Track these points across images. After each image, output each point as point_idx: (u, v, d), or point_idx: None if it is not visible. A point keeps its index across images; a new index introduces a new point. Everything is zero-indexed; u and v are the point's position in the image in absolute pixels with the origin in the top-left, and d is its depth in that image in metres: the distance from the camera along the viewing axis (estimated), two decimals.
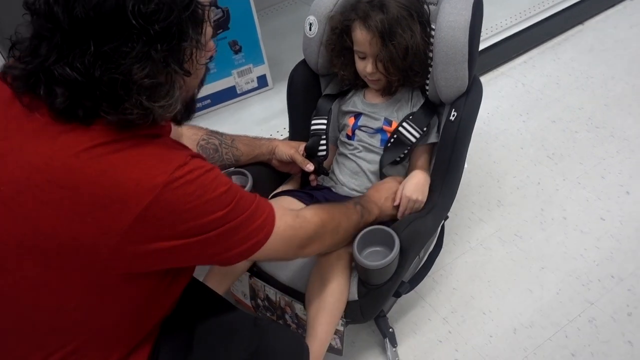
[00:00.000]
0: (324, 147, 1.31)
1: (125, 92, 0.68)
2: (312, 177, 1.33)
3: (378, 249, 1.09)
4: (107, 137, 0.70)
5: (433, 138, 1.26)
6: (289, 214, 0.90)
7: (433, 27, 1.18)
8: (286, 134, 1.66)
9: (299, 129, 1.42)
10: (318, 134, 1.32)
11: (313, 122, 1.34)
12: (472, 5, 1.12)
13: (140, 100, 0.69)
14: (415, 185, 1.17)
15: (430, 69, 1.21)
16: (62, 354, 0.77)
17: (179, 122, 0.88)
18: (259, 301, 1.27)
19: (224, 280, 1.20)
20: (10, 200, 0.69)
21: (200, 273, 1.10)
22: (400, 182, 1.19)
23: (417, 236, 1.14)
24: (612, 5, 2.50)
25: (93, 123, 0.70)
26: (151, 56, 0.68)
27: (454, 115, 1.17)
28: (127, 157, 0.70)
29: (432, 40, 1.18)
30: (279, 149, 1.31)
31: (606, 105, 1.98)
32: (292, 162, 1.30)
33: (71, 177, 0.68)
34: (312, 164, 1.29)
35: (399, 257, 1.07)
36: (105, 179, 0.68)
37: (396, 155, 1.24)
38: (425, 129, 1.24)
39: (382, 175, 1.25)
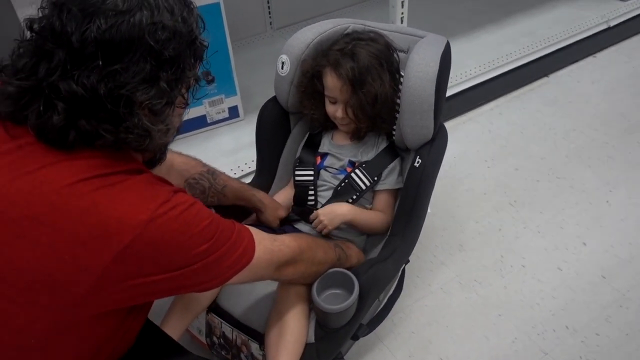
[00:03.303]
0: (312, 197, 1.31)
1: (128, 110, 0.70)
2: None
3: (337, 291, 1.09)
4: (90, 173, 0.70)
5: (393, 184, 1.27)
6: (267, 237, 0.92)
7: (402, 74, 1.21)
8: (254, 167, 1.65)
9: (266, 163, 1.43)
10: (305, 185, 1.32)
11: (297, 172, 1.34)
12: (440, 57, 1.16)
13: (141, 120, 0.71)
14: (330, 211, 1.23)
15: (397, 116, 1.23)
16: None
17: (153, 165, 0.88)
18: (215, 339, 1.24)
19: (184, 318, 1.18)
20: None
21: (159, 311, 1.07)
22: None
23: (377, 280, 1.14)
24: (576, 61, 2.62)
25: (79, 152, 0.70)
26: (158, 79, 0.71)
27: (418, 162, 1.20)
28: (109, 194, 0.70)
29: (400, 87, 1.20)
30: (271, 210, 1.30)
31: (567, 157, 2.04)
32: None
33: (51, 213, 0.67)
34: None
35: (357, 301, 1.07)
36: (87, 216, 0.67)
37: (344, 199, 1.26)
38: (376, 178, 1.26)
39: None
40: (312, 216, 1.23)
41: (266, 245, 0.90)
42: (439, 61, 1.15)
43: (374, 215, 1.27)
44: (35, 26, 0.70)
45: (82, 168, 0.70)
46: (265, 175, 1.43)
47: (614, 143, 2.09)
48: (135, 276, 0.71)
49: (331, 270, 1.09)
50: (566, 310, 1.49)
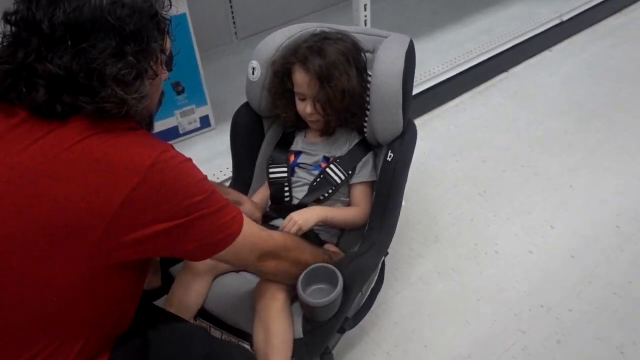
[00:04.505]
0: (288, 194, 1.33)
1: (100, 83, 0.75)
2: None
3: (322, 286, 1.11)
4: (93, 130, 0.76)
5: (367, 177, 1.31)
6: (255, 224, 0.96)
7: (370, 73, 1.26)
8: (229, 174, 1.67)
9: (242, 169, 1.45)
10: (280, 182, 1.34)
11: (271, 169, 1.36)
12: (404, 55, 1.21)
13: (115, 91, 0.76)
14: (304, 213, 1.23)
15: (368, 112, 1.28)
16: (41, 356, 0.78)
17: None
18: None
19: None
20: (0, 200, 0.74)
21: None
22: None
23: (360, 272, 1.18)
24: (533, 56, 2.73)
25: (70, 121, 0.76)
26: (124, 52, 0.77)
27: (390, 156, 1.24)
28: (116, 145, 0.77)
29: (369, 85, 1.25)
30: (248, 208, 1.29)
31: (530, 147, 2.13)
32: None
33: (66, 168, 0.74)
34: None
35: (342, 293, 1.10)
36: (98, 165, 0.75)
37: (319, 194, 1.29)
38: (350, 171, 1.30)
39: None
40: (286, 220, 1.23)
41: (254, 228, 0.94)
42: (404, 58, 1.20)
43: (350, 211, 1.31)
44: (12, 18, 0.76)
45: (86, 128, 0.76)
46: (241, 180, 1.45)
47: (573, 131, 2.20)
48: (139, 226, 0.77)
49: (314, 265, 1.11)
50: (540, 290, 1.56)
